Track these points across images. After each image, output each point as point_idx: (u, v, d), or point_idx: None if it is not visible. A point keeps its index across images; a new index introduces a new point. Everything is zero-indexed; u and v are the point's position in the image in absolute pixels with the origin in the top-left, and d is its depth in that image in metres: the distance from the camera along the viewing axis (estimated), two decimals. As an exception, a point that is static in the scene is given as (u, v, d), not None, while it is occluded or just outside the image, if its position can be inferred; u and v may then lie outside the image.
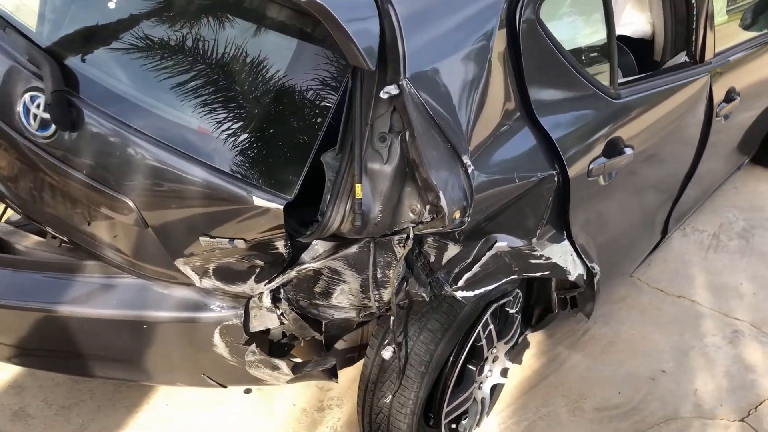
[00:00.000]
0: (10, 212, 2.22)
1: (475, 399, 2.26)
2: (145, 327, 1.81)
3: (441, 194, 1.52)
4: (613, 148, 2.09)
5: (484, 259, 1.82)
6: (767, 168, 4.15)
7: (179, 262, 1.71)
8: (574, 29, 2.18)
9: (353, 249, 1.64)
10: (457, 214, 1.57)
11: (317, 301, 1.75)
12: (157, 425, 2.33)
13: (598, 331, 2.87)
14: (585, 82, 1.98)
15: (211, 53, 1.63)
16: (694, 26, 2.53)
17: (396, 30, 1.46)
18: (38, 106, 1.72)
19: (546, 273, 2.04)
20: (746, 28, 3.09)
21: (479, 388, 2.27)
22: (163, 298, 1.82)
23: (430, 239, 1.74)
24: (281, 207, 1.49)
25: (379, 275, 1.69)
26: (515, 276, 1.96)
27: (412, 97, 1.47)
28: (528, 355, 2.71)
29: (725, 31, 2.82)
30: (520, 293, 2.22)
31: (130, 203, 1.65)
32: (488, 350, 2.17)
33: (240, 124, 1.58)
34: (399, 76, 1.46)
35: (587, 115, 2.01)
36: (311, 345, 2.03)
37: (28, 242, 2.10)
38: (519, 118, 1.79)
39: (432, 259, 1.76)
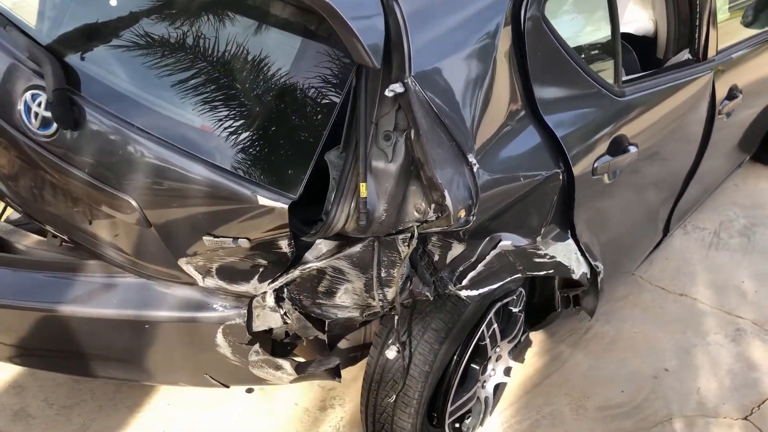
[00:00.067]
0: (10, 211, 2.20)
1: (478, 398, 2.25)
2: (147, 327, 1.80)
3: (446, 193, 1.51)
4: (618, 147, 2.08)
5: (488, 258, 1.81)
6: (767, 165, 4.15)
7: (182, 262, 1.70)
8: (579, 27, 2.17)
9: (357, 248, 1.63)
10: (462, 213, 1.56)
11: (321, 301, 1.74)
12: (159, 425, 2.32)
13: (600, 329, 2.86)
14: (590, 79, 1.97)
15: (215, 51, 1.62)
16: (697, 23, 2.52)
17: (401, 27, 1.45)
18: (39, 105, 1.71)
19: (550, 272, 2.04)
20: (748, 25, 3.09)
21: (483, 387, 2.26)
22: (165, 298, 1.80)
23: (434, 238, 1.73)
24: (286, 206, 1.48)
25: (383, 274, 1.68)
26: (519, 275, 1.95)
27: (417, 95, 1.46)
28: (530, 354, 2.70)
29: (727, 28, 2.82)
30: (523, 292, 2.21)
31: (133, 202, 1.64)
32: (492, 349, 2.16)
33: (244, 122, 1.57)
34: (404, 73, 1.45)
35: (592, 113, 2.00)
36: (313, 344, 2.02)
37: (28, 241, 2.09)
38: (524, 117, 1.78)
39: (436, 258, 1.75)
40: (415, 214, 1.57)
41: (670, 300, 3.06)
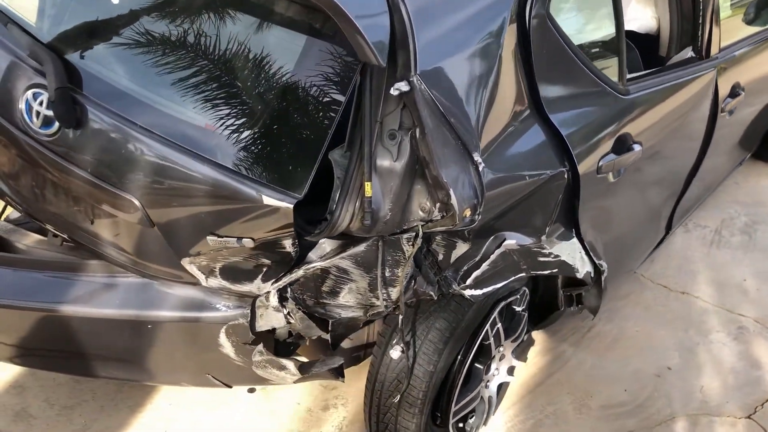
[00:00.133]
0: (10, 210, 2.19)
1: (482, 397, 2.24)
2: (150, 327, 1.79)
3: (451, 192, 1.51)
4: (622, 145, 2.07)
5: (492, 257, 1.80)
6: (768, 163, 4.15)
7: (185, 262, 1.68)
8: (583, 24, 2.16)
9: (362, 247, 1.62)
10: (468, 212, 1.56)
11: (324, 300, 1.73)
12: (160, 425, 2.30)
13: (602, 328, 2.86)
14: (595, 78, 1.96)
15: (219, 49, 1.60)
16: (699, 21, 2.52)
17: (406, 25, 1.44)
18: (41, 104, 1.70)
19: (554, 271, 2.03)
20: (750, 23, 3.08)
21: (486, 386, 2.25)
22: (167, 298, 1.80)
23: (438, 237, 1.72)
24: (291, 206, 1.47)
25: (387, 274, 1.67)
26: (523, 274, 1.94)
27: (422, 94, 1.45)
28: (533, 353, 2.69)
29: (730, 25, 2.81)
30: (527, 291, 2.21)
31: (136, 202, 1.63)
32: (496, 348, 2.16)
33: (248, 121, 1.56)
34: (409, 72, 1.44)
35: (597, 112, 1.99)
36: (316, 344, 2.01)
37: (28, 241, 2.08)
38: (529, 115, 1.77)
39: (440, 257, 1.75)
40: (420, 213, 1.56)
41: (672, 298, 3.06)
